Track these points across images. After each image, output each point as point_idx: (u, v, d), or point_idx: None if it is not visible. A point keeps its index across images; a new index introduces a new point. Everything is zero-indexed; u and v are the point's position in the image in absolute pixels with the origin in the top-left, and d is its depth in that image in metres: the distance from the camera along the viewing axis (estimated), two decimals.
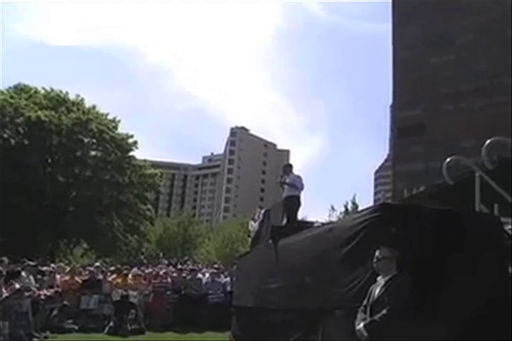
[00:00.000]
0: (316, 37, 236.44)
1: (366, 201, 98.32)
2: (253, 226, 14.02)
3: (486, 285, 6.09)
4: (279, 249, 9.82)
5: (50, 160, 42.92)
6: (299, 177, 11.91)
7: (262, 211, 13.84)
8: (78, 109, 43.79)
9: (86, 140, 44.14)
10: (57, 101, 43.59)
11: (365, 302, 5.56)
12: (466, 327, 5.72)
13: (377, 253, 5.65)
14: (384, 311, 5.22)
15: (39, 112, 40.53)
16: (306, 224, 11.68)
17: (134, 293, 16.37)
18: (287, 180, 11.93)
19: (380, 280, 5.57)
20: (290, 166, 12.54)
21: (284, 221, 11.39)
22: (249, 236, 15.69)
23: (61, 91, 44.84)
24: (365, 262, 5.83)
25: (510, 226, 7.87)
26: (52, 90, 44.57)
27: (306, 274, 7.94)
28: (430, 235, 6.16)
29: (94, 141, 44.57)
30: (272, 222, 12.23)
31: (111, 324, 14.91)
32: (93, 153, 45.17)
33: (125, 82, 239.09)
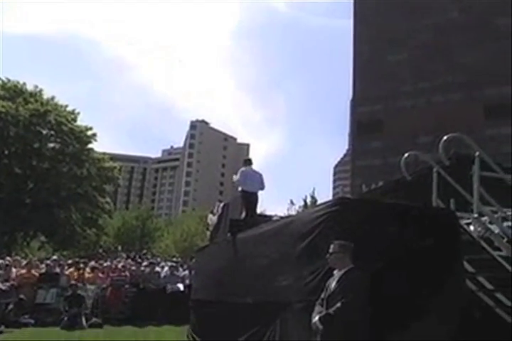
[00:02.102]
0: (277, 32, 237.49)
1: (325, 195, 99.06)
2: (212, 219, 14.01)
3: (441, 278, 6.21)
4: (238, 243, 9.82)
5: (6, 152, 42.33)
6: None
7: (221, 204, 13.84)
8: (36, 100, 43.20)
9: (44, 131, 43.64)
10: (15, 92, 43.02)
11: (322, 295, 5.62)
12: (420, 319, 5.83)
13: (330, 248, 5.71)
14: (338, 304, 5.28)
15: None
16: (265, 218, 11.71)
17: (92, 287, 16.23)
18: (237, 175, 11.93)
19: (337, 273, 5.63)
20: (249, 161, 12.52)
21: (243, 214, 11.39)
22: (207, 229, 15.69)
23: (18, 82, 44.20)
24: (324, 256, 5.87)
25: (465, 221, 8.04)
26: (9, 81, 43.89)
27: (265, 268, 7.96)
28: (387, 229, 6.26)
29: (52, 132, 44.04)
30: (230, 216, 12.23)
31: (65, 318, 14.73)
32: (51, 145, 44.57)
33: (85, 74, 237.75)
